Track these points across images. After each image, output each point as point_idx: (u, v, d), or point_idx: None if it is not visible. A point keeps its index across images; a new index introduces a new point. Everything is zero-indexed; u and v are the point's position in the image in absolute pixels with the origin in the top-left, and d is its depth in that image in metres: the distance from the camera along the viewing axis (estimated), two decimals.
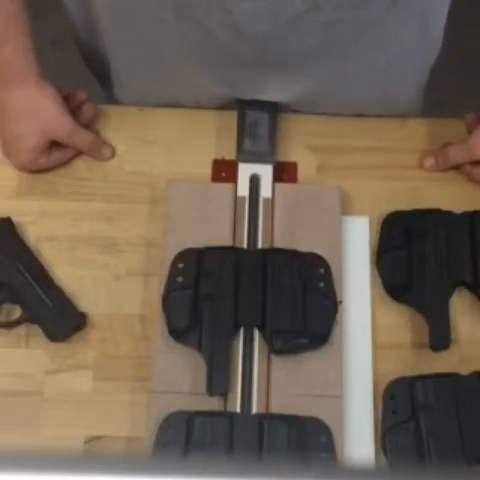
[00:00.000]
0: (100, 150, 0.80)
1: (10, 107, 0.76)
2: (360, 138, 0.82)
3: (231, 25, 0.69)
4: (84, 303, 0.73)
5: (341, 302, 0.70)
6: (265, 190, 0.76)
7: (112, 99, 0.87)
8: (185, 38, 0.73)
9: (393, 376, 0.69)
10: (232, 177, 0.77)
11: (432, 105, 0.97)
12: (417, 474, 0.34)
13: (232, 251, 0.72)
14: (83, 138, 0.79)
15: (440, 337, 0.70)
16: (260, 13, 0.68)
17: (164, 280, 0.70)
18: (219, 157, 0.80)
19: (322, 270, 0.71)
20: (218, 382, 0.66)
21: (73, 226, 0.77)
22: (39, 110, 0.75)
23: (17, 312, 0.72)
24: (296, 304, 0.69)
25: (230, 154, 0.79)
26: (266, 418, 0.66)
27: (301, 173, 0.79)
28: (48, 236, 0.76)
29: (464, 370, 0.69)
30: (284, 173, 0.78)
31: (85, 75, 0.90)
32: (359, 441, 0.67)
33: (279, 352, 0.68)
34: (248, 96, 0.80)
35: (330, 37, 0.71)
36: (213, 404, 0.66)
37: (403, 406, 0.67)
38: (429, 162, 0.80)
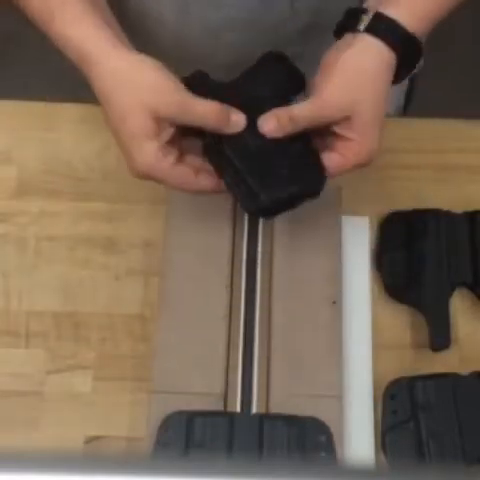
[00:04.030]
0: (229, 120, 0.61)
1: (103, 94, 0.61)
2: None
3: (211, 32, 0.69)
4: (84, 303, 0.73)
5: (335, 302, 0.70)
6: None
7: None
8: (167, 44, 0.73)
9: (393, 376, 0.69)
10: None
11: (432, 105, 0.97)
12: (417, 474, 0.34)
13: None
14: (204, 111, 0.59)
15: (440, 337, 0.70)
16: (237, 21, 0.68)
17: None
18: None
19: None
20: None
21: (73, 226, 0.77)
22: (134, 82, 0.59)
23: None
24: None
25: None
26: (266, 418, 0.66)
27: None
28: (48, 236, 0.76)
29: (464, 370, 0.69)
30: None
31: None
32: (359, 441, 0.67)
33: None
34: None
35: (310, 43, 0.71)
36: (213, 404, 0.66)
37: (403, 406, 0.67)
38: (269, 126, 0.60)
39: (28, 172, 0.79)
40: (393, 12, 0.60)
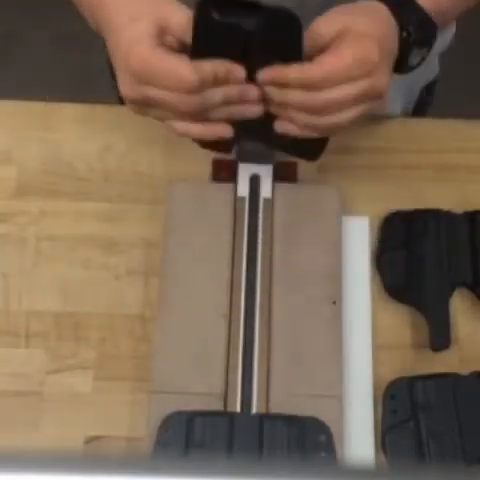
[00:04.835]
0: None
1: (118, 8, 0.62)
2: (360, 138, 0.82)
3: None
4: (84, 303, 0.73)
5: (335, 302, 0.70)
6: (265, 190, 0.76)
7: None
8: None
9: (393, 376, 0.69)
10: (232, 177, 0.77)
11: (433, 105, 0.98)
12: (417, 474, 0.34)
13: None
14: None
15: (440, 337, 0.70)
16: None
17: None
18: (219, 157, 0.80)
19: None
20: None
21: (73, 226, 0.77)
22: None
23: None
24: None
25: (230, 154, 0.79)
26: (266, 418, 0.66)
27: (301, 173, 0.79)
28: (48, 236, 0.76)
29: (464, 370, 0.69)
30: (284, 173, 0.78)
31: (86, 75, 0.91)
32: (359, 441, 0.67)
33: None
34: None
35: None
36: (213, 404, 0.66)
37: (403, 406, 0.67)
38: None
39: (28, 172, 0.79)
40: None
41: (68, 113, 0.83)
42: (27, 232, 0.76)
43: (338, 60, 0.58)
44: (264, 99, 0.61)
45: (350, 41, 0.58)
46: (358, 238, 0.76)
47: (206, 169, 0.79)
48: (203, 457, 0.59)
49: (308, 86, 0.58)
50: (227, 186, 0.76)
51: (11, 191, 0.79)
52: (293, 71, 0.58)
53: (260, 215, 0.74)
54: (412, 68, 0.65)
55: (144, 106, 0.62)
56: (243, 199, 0.75)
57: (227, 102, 0.60)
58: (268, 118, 0.63)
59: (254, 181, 0.76)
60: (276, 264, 0.72)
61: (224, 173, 0.78)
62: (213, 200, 0.75)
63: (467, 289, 0.74)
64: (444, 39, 0.90)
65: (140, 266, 0.75)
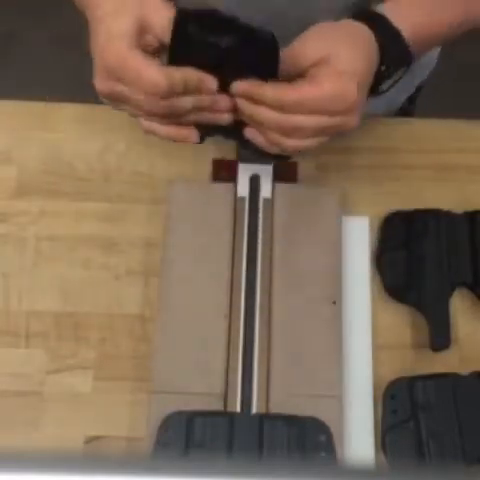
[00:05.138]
0: None
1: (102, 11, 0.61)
2: (360, 138, 0.82)
3: None
4: (84, 303, 0.73)
5: (335, 303, 0.70)
6: (265, 190, 0.76)
7: None
8: None
9: (393, 376, 0.69)
10: (232, 177, 0.77)
11: (432, 105, 0.98)
12: (417, 474, 0.34)
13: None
14: None
15: (440, 337, 0.70)
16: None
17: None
18: (219, 157, 0.80)
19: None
20: None
21: (73, 226, 0.77)
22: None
23: None
24: None
25: (230, 154, 0.79)
26: (266, 418, 0.66)
27: (301, 173, 0.79)
28: (48, 236, 0.76)
29: (464, 370, 0.69)
30: (284, 173, 0.78)
31: (86, 75, 0.91)
32: (359, 441, 0.67)
33: None
34: None
35: None
36: (213, 404, 0.66)
37: (403, 406, 0.67)
38: None
39: (28, 172, 0.79)
40: (380, 8, 0.62)
41: (68, 113, 0.83)
42: (27, 232, 0.76)
43: (316, 90, 0.58)
44: (235, 109, 0.62)
45: (331, 74, 0.58)
46: (358, 238, 0.76)
47: (206, 169, 0.79)
48: (203, 457, 0.59)
49: (280, 107, 0.58)
50: (227, 186, 0.76)
51: (11, 191, 0.79)
52: (268, 89, 0.59)
53: (260, 215, 0.74)
54: (380, 94, 0.66)
55: (114, 101, 0.63)
56: (243, 199, 0.75)
57: (197, 109, 0.61)
58: (239, 121, 0.63)
59: (254, 181, 0.76)
60: (276, 264, 0.72)
61: (224, 173, 0.78)
62: (213, 200, 0.75)
63: (467, 289, 0.74)
64: (427, 64, 0.91)
65: (140, 266, 0.75)
